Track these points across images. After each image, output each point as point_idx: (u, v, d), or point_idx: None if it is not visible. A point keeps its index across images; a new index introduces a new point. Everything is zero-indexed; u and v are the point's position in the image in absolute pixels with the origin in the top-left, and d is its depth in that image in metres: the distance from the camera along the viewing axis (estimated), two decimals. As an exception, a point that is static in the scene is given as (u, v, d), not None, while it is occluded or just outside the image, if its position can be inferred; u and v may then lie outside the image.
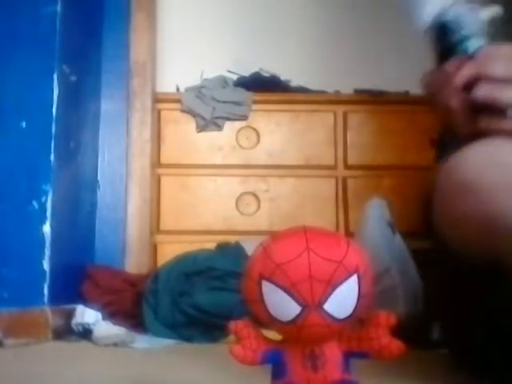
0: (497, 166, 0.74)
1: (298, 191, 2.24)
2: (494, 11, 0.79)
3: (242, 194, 2.22)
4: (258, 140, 2.26)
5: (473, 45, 0.78)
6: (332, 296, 0.55)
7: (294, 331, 0.56)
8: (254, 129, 2.26)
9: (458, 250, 0.81)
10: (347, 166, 2.26)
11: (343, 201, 2.23)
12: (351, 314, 0.56)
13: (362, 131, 2.28)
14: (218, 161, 2.25)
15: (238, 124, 2.26)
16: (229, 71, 2.34)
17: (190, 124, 2.24)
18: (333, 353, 0.59)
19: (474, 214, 0.74)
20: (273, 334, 0.60)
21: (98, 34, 2.19)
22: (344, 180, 2.25)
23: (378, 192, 2.00)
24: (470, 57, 0.77)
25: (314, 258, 0.55)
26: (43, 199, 1.64)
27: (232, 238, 1.97)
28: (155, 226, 2.20)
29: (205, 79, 2.30)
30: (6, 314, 1.51)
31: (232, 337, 0.60)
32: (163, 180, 2.23)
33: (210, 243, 1.96)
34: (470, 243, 0.77)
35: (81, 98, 1.98)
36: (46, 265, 1.62)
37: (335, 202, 2.23)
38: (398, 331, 0.59)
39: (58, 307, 1.63)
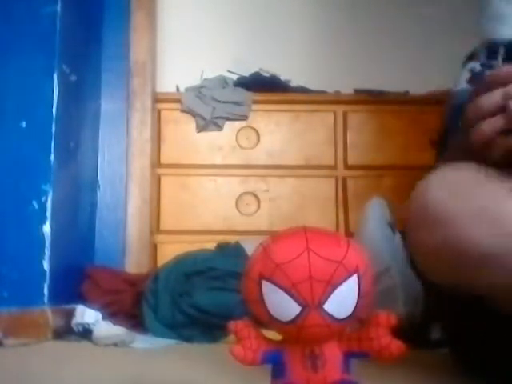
0: (460, 195, 0.71)
1: (298, 191, 2.24)
2: None
3: (242, 194, 2.22)
4: (258, 140, 2.26)
5: None
6: (332, 296, 0.55)
7: (294, 331, 0.56)
8: (254, 129, 2.26)
9: (433, 281, 0.78)
10: (347, 166, 2.26)
11: (343, 201, 2.23)
12: (351, 314, 0.56)
13: (362, 131, 2.28)
14: (218, 161, 2.25)
15: (238, 124, 2.26)
16: (229, 71, 2.34)
17: (190, 124, 2.24)
18: (333, 353, 0.58)
19: (442, 248, 0.71)
20: (273, 334, 0.59)
21: (98, 33, 2.19)
22: (344, 180, 2.25)
23: (378, 192, 2.00)
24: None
25: (313, 258, 0.55)
26: (43, 199, 1.64)
27: (232, 238, 1.96)
28: (155, 226, 2.20)
29: (205, 79, 2.30)
30: (5, 314, 1.51)
31: (232, 337, 0.60)
32: (163, 180, 2.23)
33: (210, 243, 1.96)
34: (442, 275, 0.75)
35: (81, 97, 1.98)
36: (46, 265, 1.61)
37: (335, 202, 2.23)
38: (398, 331, 0.59)
39: (58, 307, 1.62)
